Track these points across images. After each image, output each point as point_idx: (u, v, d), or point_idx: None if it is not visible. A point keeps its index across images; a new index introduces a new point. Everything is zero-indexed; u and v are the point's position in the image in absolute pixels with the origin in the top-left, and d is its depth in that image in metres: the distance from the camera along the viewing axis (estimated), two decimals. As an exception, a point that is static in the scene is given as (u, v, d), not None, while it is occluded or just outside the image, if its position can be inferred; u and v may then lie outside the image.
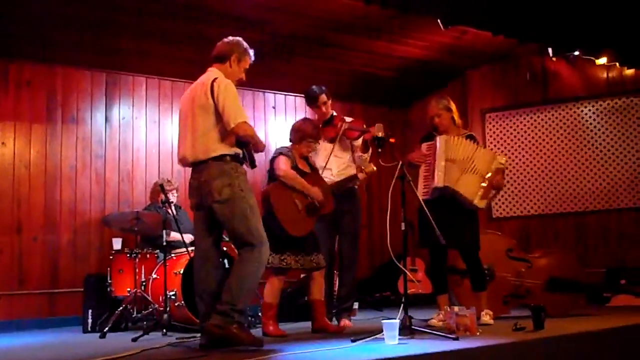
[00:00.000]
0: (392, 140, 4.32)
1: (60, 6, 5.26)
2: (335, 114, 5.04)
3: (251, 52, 3.93)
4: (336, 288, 5.26)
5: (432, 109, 4.78)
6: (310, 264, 4.49)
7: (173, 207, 5.49)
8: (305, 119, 4.92)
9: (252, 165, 3.83)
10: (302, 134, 4.61)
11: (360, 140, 4.94)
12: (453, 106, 4.80)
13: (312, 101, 5.04)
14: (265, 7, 5.47)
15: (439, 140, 4.64)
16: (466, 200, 4.56)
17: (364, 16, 5.76)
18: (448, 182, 4.54)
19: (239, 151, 3.72)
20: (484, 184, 4.59)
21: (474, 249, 4.66)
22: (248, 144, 3.74)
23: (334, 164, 4.94)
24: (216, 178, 3.61)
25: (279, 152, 4.52)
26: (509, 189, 7.40)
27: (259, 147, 3.79)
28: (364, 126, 4.90)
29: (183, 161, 3.85)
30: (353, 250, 5.01)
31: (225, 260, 5.23)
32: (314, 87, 4.96)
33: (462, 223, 4.60)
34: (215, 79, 3.70)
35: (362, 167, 4.86)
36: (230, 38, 3.93)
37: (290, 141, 4.70)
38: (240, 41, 3.92)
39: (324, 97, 4.95)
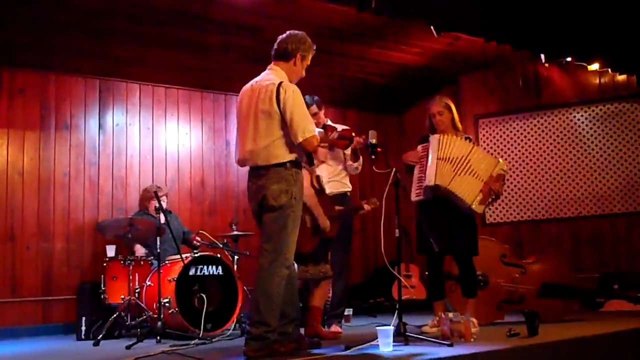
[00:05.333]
0: (378, 149, 4.25)
1: (54, 13, 5.26)
2: (329, 122, 5.01)
3: (314, 46, 3.79)
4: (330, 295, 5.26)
5: (435, 105, 4.76)
6: (318, 273, 4.44)
7: (164, 213, 5.43)
8: None
9: (310, 163, 3.80)
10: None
11: (349, 150, 4.94)
12: (454, 108, 4.81)
13: None
14: (260, 14, 5.48)
15: (432, 139, 4.65)
16: (464, 203, 4.52)
17: (358, 23, 5.78)
18: (440, 180, 4.50)
19: (299, 155, 3.64)
20: (483, 188, 4.57)
21: (469, 254, 4.65)
22: None
23: (325, 171, 4.93)
24: (274, 183, 3.52)
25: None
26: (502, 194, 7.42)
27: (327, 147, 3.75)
28: (352, 134, 4.89)
29: (242, 163, 3.73)
30: (344, 257, 5.00)
31: (220, 268, 5.24)
32: (306, 97, 4.88)
33: (458, 227, 4.59)
34: (281, 83, 3.57)
35: (368, 202, 4.75)
36: (294, 32, 3.77)
37: None
38: (305, 36, 3.77)
39: (314, 108, 4.88)
